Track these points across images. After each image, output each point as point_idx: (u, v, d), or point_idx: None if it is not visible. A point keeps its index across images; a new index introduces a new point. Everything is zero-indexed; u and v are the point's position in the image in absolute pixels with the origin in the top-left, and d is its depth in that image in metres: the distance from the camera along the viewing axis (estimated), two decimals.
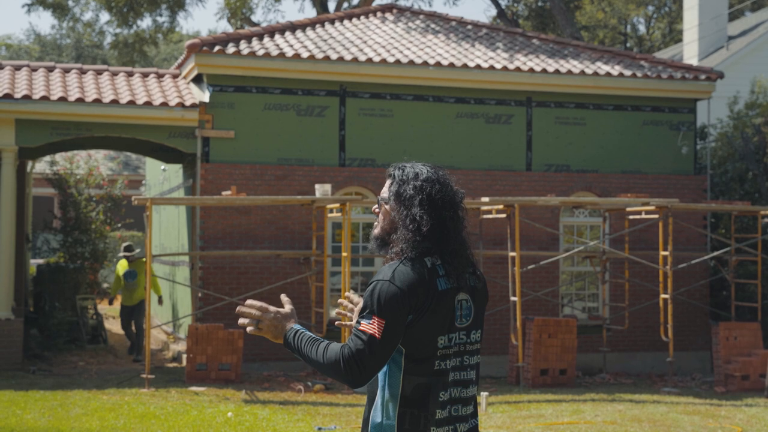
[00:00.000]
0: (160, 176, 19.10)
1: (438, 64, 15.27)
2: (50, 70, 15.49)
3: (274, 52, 14.65)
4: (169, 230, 17.60)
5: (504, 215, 13.99)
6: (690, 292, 16.07)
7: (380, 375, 3.35)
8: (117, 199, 18.86)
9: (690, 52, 26.95)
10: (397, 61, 15.10)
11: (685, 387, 14.47)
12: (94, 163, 19.59)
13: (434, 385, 3.30)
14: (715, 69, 17.12)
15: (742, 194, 17.89)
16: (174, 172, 17.58)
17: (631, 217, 15.38)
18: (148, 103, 14.21)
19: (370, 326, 3.23)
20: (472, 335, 3.41)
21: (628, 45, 39.65)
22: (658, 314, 15.48)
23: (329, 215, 14.44)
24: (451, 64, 15.32)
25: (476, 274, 3.47)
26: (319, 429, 10.21)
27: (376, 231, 3.52)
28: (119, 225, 20.19)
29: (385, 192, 3.48)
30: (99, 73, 15.53)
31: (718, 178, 18.11)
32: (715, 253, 15.57)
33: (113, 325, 20.92)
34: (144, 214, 13.58)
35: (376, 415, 3.35)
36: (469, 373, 3.41)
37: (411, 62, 15.16)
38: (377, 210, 3.52)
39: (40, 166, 24.26)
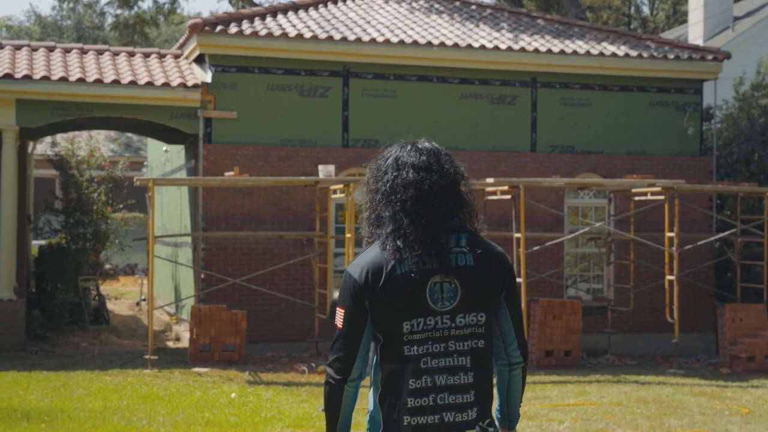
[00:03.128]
0: (162, 157, 19.01)
1: (442, 44, 15.14)
2: (51, 50, 15.36)
3: (277, 32, 14.52)
4: (171, 211, 17.51)
5: (509, 196, 13.89)
6: (695, 274, 15.99)
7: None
8: (118, 180, 18.77)
9: (695, 33, 26.77)
10: (401, 42, 14.97)
11: (691, 368, 14.42)
12: (95, 144, 19.48)
13: (405, 371, 3.21)
14: (722, 49, 16.96)
15: (748, 175, 17.78)
16: (176, 153, 17.48)
17: (636, 198, 15.29)
18: (149, 84, 14.10)
19: (337, 318, 3.30)
20: (459, 319, 3.22)
21: (632, 26, 39.43)
22: (663, 296, 15.41)
23: (332, 196, 14.34)
24: (456, 45, 15.18)
25: (476, 253, 3.27)
26: (323, 410, 10.14)
27: None
28: (121, 206, 20.09)
29: None
30: (100, 53, 15.40)
31: (723, 159, 17.99)
32: (721, 235, 15.48)
33: (116, 306, 20.89)
34: (146, 195, 13.49)
35: (369, 404, 3.32)
36: (459, 359, 3.22)
37: (415, 42, 15.03)
38: None
39: (41, 147, 24.17)
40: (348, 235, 13.03)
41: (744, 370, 14.08)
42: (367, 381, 3.35)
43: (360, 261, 3.26)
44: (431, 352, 3.21)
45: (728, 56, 16.58)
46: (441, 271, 3.22)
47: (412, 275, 3.20)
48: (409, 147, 3.33)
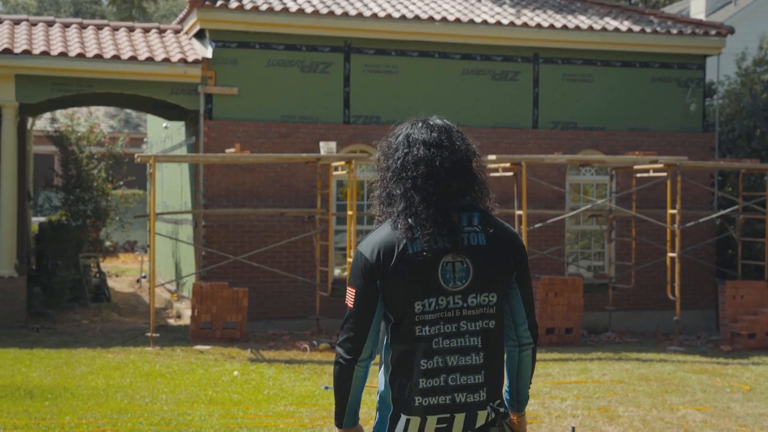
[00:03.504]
0: (162, 134, 18.93)
1: (444, 19, 15.03)
2: (50, 24, 15.24)
3: (278, 7, 14.41)
4: (171, 188, 17.46)
5: (510, 173, 13.84)
6: (696, 251, 15.97)
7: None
8: (119, 157, 18.70)
9: (697, 8, 26.60)
10: (403, 17, 14.86)
11: (691, 346, 14.44)
12: (95, 120, 19.39)
13: (417, 352, 3.18)
14: (725, 24, 16.84)
15: (750, 152, 17.72)
16: (176, 130, 17.40)
17: (638, 175, 15.23)
18: (149, 59, 14.01)
19: (348, 297, 3.26)
20: (470, 299, 3.20)
21: (632, 1, 39.17)
22: (664, 273, 15.40)
23: (334, 173, 14.29)
24: (458, 20, 15.08)
25: (488, 232, 3.23)
26: (326, 388, 10.17)
27: None
28: (121, 183, 20.03)
29: None
30: (99, 28, 15.29)
31: (725, 135, 17.92)
32: (724, 212, 15.44)
33: (116, 283, 20.89)
34: (147, 173, 13.43)
35: (379, 384, 3.29)
36: (470, 339, 3.20)
37: (416, 17, 14.92)
38: None
39: (41, 123, 24.05)
40: (350, 213, 12.99)
41: (745, 347, 14.10)
42: (377, 360, 3.32)
43: (371, 240, 3.23)
44: (443, 333, 3.19)
45: (732, 31, 16.48)
46: (453, 250, 3.19)
47: (424, 254, 3.17)
48: (420, 124, 3.30)
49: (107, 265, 22.41)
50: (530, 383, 3.46)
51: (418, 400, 3.18)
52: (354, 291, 3.21)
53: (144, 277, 21.80)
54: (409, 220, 3.19)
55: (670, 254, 14.23)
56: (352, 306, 3.21)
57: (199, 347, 12.65)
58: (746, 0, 25.59)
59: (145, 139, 24.64)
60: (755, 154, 17.61)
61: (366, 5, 15.15)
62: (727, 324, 14.44)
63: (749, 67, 19.27)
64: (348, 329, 3.22)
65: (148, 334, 12.78)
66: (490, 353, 3.25)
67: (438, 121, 3.32)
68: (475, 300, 3.21)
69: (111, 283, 19.91)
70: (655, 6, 37.18)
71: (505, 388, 3.41)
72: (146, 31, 15.42)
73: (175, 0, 50.78)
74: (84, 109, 23.15)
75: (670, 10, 30.87)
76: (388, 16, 14.79)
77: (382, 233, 3.22)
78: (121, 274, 22.54)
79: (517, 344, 3.37)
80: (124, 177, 20.35)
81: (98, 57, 13.88)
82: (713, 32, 16.26)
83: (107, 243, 22.48)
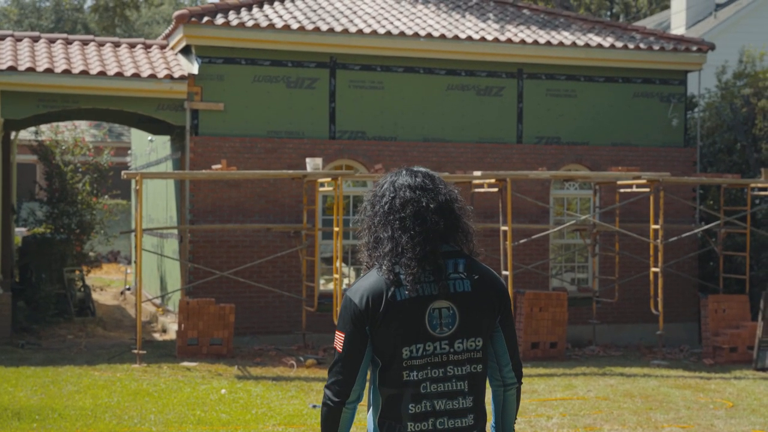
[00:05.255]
0: (147, 147, 18.92)
1: (429, 35, 15.13)
2: (35, 40, 15.23)
3: (264, 23, 14.46)
4: (156, 202, 17.46)
5: (496, 189, 13.95)
6: (678, 265, 16.12)
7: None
8: (103, 170, 18.67)
9: (678, 21, 26.84)
10: (388, 33, 14.95)
11: (674, 359, 14.58)
12: (79, 134, 19.34)
13: (405, 396, 3.27)
14: (705, 38, 17.04)
15: (730, 165, 17.91)
16: (161, 143, 17.41)
17: (621, 190, 15.38)
18: (136, 75, 14.02)
19: (336, 341, 3.33)
20: (457, 344, 3.27)
21: (613, 11, 39.46)
22: (646, 286, 15.55)
23: (320, 189, 14.34)
24: (442, 36, 15.18)
25: (473, 279, 3.32)
26: (314, 406, 10.21)
27: None
28: (106, 196, 19.99)
29: None
30: (85, 43, 15.29)
31: (706, 149, 18.10)
32: (707, 226, 15.60)
33: (100, 296, 20.83)
34: (134, 189, 13.44)
35: (368, 425, 3.37)
36: (457, 384, 3.28)
37: (402, 33, 15.01)
38: None
39: (24, 133, 23.96)
40: (336, 229, 13.04)
41: (726, 361, 14.25)
42: (364, 402, 3.41)
43: (360, 286, 3.29)
44: (430, 377, 3.27)
45: (712, 47, 16.67)
46: (440, 296, 3.27)
47: (416, 300, 3.25)
48: (404, 172, 3.42)
49: (91, 276, 22.32)
50: (515, 419, 3.56)
51: None
52: (343, 336, 3.27)
53: (128, 289, 21.76)
54: (395, 264, 3.27)
55: (653, 269, 14.37)
56: (341, 350, 3.27)
57: (185, 364, 12.67)
58: (726, 13, 25.86)
59: (129, 151, 24.58)
60: (736, 167, 17.80)
61: (351, 21, 15.23)
62: (709, 337, 14.60)
63: (729, 81, 19.48)
64: (336, 372, 3.28)
65: (135, 351, 12.78)
66: (477, 396, 3.34)
67: (421, 168, 3.45)
68: (461, 345, 3.29)
69: (95, 295, 19.85)
70: (635, 19, 37.51)
71: (490, 423, 3.51)
72: (132, 46, 15.43)
73: (157, 8, 50.65)
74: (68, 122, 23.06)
75: (651, 21, 31.12)
76: (374, 33, 14.88)
77: (370, 279, 3.28)
78: (106, 287, 22.46)
79: (502, 384, 3.48)
80: (109, 190, 20.30)
81: (84, 73, 13.88)
82: (694, 48, 16.45)
83: (90, 254, 22.42)
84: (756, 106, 17.58)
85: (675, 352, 15.23)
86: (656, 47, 16.25)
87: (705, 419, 10.02)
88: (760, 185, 15.29)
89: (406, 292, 3.23)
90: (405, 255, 3.24)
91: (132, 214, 22.49)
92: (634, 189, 15.06)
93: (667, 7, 37.43)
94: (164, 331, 16.07)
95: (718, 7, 26.92)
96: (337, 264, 12.93)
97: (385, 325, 3.23)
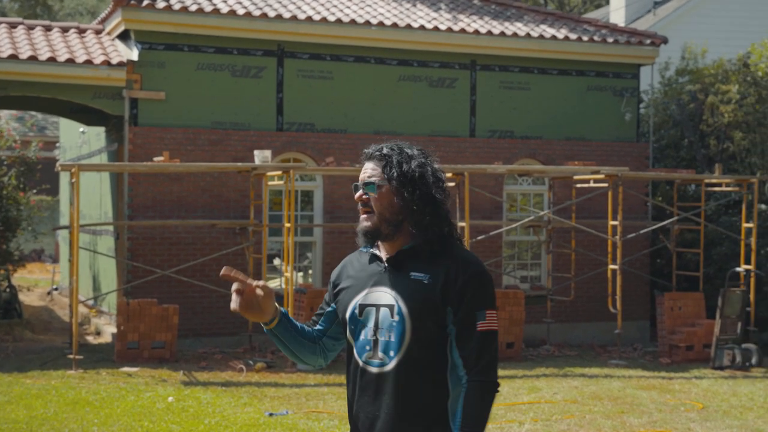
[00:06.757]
0: (79, 139, 17.90)
1: (381, 23, 14.53)
2: None
3: (208, 8, 13.68)
4: (89, 196, 16.46)
5: (453, 184, 13.42)
6: (631, 262, 15.84)
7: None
8: (31, 163, 17.56)
9: (617, 17, 26.76)
10: (338, 20, 14.30)
11: (630, 358, 14.28)
12: (4, 124, 18.20)
13: None
14: (659, 34, 16.80)
15: (678, 161, 17.74)
16: (95, 135, 16.45)
17: (578, 185, 15.01)
18: (70, 61, 13.09)
19: (493, 321, 3.12)
20: None
21: (547, 9, 39.33)
22: (600, 284, 15.23)
23: (270, 183, 13.64)
24: (395, 24, 14.60)
25: None
26: (271, 414, 9.53)
27: (372, 221, 3.13)
28: (35, 191, 18.86)
29: (375, 175, 3.13)
30: (13, 26, 14.27)
31: (653, 144, 17.90)
32: (664, 223, 15.35)
33: (26, 297, 19.71)
34: (69, 182, 12.53)
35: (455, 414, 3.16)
36: None
37: (353, 21, 14.38)
38: (366, 196, 3.14)
39: None
40: (287, 225, 12.36)
41: (683, 360, 14.00)
42: None
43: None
44: None
45: (665, 41, 16.45)
46: None
47: None
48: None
49: (16, 276, 21.13)
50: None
51: None
52: (495, 313, 3.16)
53: (56, 289, 20.67)
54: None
55: (611, 266, 14.03)
56: (497, 328, 3.15)
57: (126, 369, 11.83)
58: (665, 11, 25.86)
59: (57, 144, 23.38)
60: (684, 163, 17.64)
61: (300, 8, 14.53)
62: (665, 336, 14.32)
63: (672, 77, 19.34)
64: (496, 352, 3.13)
65: (70, 356, 11.89)
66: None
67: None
68: None
69: (22, 296, 18.74)
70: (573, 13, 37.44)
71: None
72: (65, 30, 14.46)
73: None
74: None
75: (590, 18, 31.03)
76: (324, 20, 14.22)
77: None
78: (32, 287, 21.32)
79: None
80: (38, 184, 19.17)
81: (13, 57, 12.90)
82: (647, 41, 16.20)
83: (15, 252, 21.22)
84: (704, 102, 17.43)
85: (629, 351, 14.94)
86: (610, 40, 15.94)
87: (680, 423, 9.65)
88: (714, 181, 15.09)
89: None
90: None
91: (60, 210, 21.38)
92: (592, 184, 14.71)
93: (600, 5, 37.55)
94: (98, 333, 15.16)
95: (656, 4, 26.94)
96: (282, 263, 12.23)
97: None
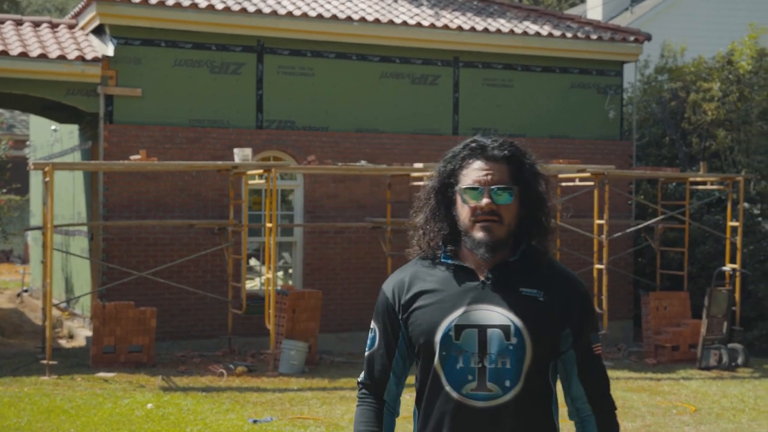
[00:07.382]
0: (51, 137, 17.43)
1: (362, 19, 14.23)
2: None
3: (186, 2, 13.30)
4: (61, 196, 16.02)
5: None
6: (615, 261, 15.66)
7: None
8: (0, 162, 17.08)
9: (594, 15, 26.64)
10: (319, 16, 13.98)
11: (616, 359, 14.10)
12: None
13: None
14: (642, 31, 16.64)
15: (659, 159, 17.60)
16: (67, 133, 16.00)
17: (563, 184, 14.80)
18: (42, 56, 12.67)
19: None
20: None
21: (530, 5, 39.20)
22: (586, 284, 15.00)
23: (250, 182, 13.29)
24: (377, 20, 14.31)
25: None
26: (255, 421, 9.21)
27: (501, 231, 2.70)
28: (4, 190, 18.37)
29: (506, 180, 2.72)
30: None
31: (635, 142, 17.74)
32: (650, 221, 15.18)
33: None
34: (44, 181, 12.11)
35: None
36: None
37: (334, 17, 14.07)
38: (494, 205, 2.69)
39: None
40: (269, 225, 12.03)
41: (669, 360, 13.83)
42: None
43: None
44: None
45: (649, 38, 16.29)
46: None
47: None
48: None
49: None
50: None
51: None
52: None
53: (26, 291, 20.18)
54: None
55: (597, 266, 13.83)
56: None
57: (102, 375, 11.44)
58: (643, 9, 25.79)
59: (27, 142, 22.84)
60: (665, 161, 17.50)
61: (280, 3, 14.20)
62: (650, 336, 14.15)
63: (652, 75, 19.21)
64: None
65: (43, 361, 11.48)
66: None
67: None
68: None
69: None
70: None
71: None
72: (36, 25, 14.03)
73: None
74: None
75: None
76: (304, 15, 13.89)
77: None
78: (2, 289, 20.80)
79: None
80: (7, 184, 18.67)
81: None
82: (631, 39, 16.03)
83: None
84: (685, 100, 17.30)
85: (613, 351, 14.76)
86: (593, 37, 15.75)
87: (675, 427, 9.45)
88: (699, 179, 14.95)
89: None
90: None
91: (30, 210, 20.87)
92: (577, 183, 14.50)
93: (575, 3, 37.47)
94: (71, 336, 14.73)
95: (634, 2, 26.87)
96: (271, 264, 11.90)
97: None
